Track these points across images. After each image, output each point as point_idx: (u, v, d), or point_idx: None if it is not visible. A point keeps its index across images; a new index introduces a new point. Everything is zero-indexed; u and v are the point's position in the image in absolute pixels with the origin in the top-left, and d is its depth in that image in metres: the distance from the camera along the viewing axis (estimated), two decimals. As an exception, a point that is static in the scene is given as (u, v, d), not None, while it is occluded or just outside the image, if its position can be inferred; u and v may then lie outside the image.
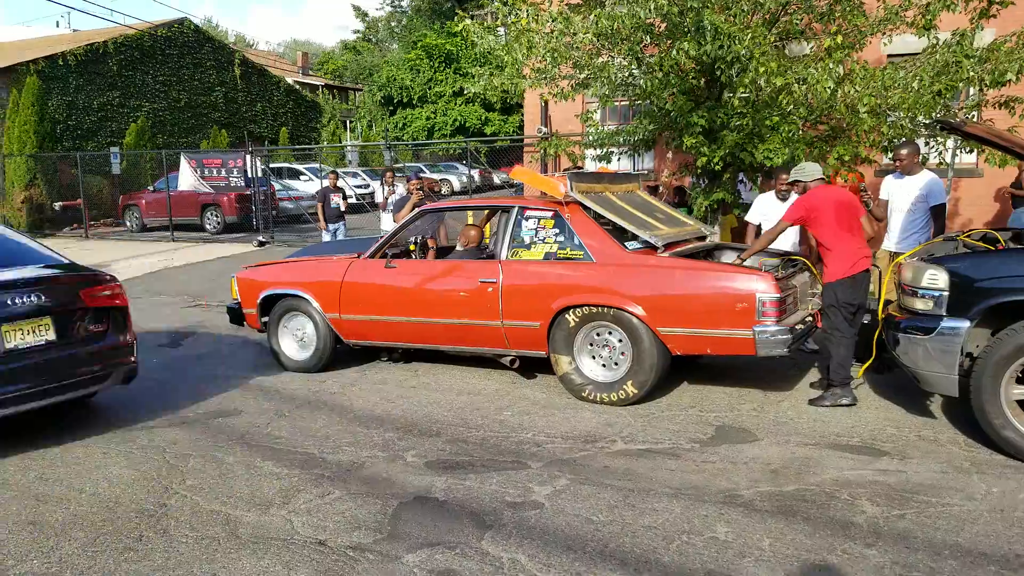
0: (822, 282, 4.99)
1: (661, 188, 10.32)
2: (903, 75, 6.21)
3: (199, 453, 4.28)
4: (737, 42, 6.12)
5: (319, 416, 4.92)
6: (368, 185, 21.51)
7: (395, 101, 32.88)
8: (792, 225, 5.12)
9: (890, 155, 6.50)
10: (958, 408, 4.45)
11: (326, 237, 11.16)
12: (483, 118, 30.82)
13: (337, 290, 5.80)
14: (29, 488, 3.85)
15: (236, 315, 6.41)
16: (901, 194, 5.63)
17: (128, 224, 18.05)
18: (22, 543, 3.27)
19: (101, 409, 5.20)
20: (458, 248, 6.16)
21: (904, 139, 6.11)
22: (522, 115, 14.44)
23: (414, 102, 32.20)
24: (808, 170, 5.00)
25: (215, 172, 16.39)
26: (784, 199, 6.05)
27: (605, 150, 8.60)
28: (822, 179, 4.96)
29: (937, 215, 5.50)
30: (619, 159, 9.38)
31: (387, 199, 10.88)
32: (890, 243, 5.76)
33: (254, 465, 4.07)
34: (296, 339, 6.09)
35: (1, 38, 27.88)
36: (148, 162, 19.84)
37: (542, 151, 9.10)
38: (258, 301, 6.15)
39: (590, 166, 9.88)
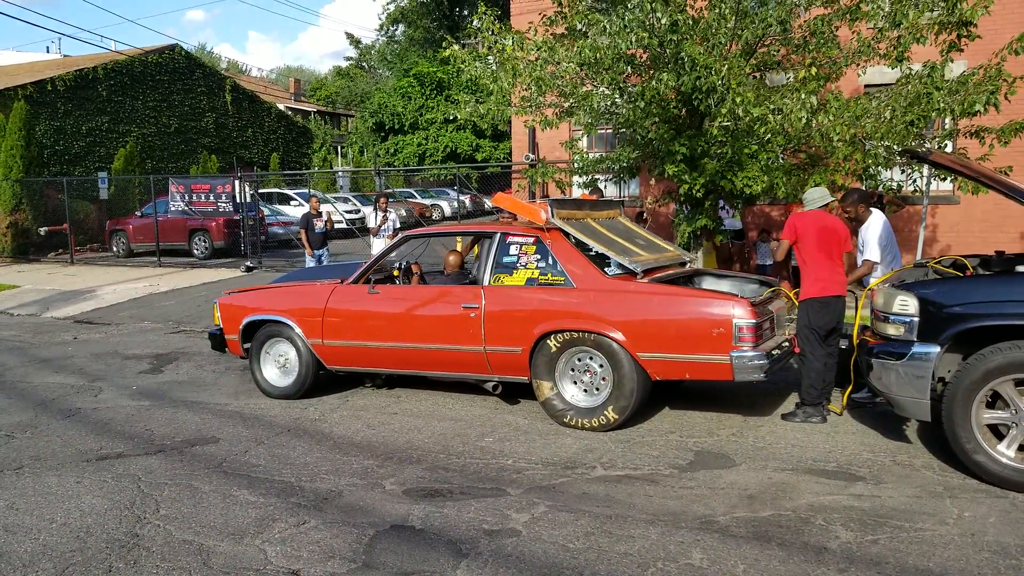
0: (797, 302, 5.09)
1: (646, 215, 10.42)
2: (876, 105, 6.36)
3: (174, 482, 4.24)
4: (714, 73, 6.26)
5: (298, 444, 4.90)
6: (359, 210, 21.58)
7: (387, 127, 33.15)
8: (788, 243, 5.22)
9: (866, 187, 6.61)
10: (933, 433, 4.49)
11: (310, 263, 11.14)
12: (474, 144, 31.09)
13: (320, 316, 5.80)
14: None
15: (218, 341, 6.39)
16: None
17: (115, 249, 17.96)
18: (-10, 574, 3.22)
19: (76, 437, 5.15)
20: (445, 274, 6.18)
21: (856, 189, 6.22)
22: (511, 141, 14.58)
23: (405, 128, 32.48)
24: (809, 199, 5.25)
25: (203, 197, 16.37)
26: None
27: (590, 177, 8.71)
28: (824, 206, 5.14)
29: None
30: (605, 186, 9.50)
31: (379, 225, 10.92)
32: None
33: (230, 494, 4.04)
34: (278, 365, 6.07)
35: (-9, 64, 27.97)
36: (136, 187, 19.82)
37: (529, 178, 9.20)
38: (240, 327, 6.14)
39: (577, 193, 10.00)
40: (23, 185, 17.80)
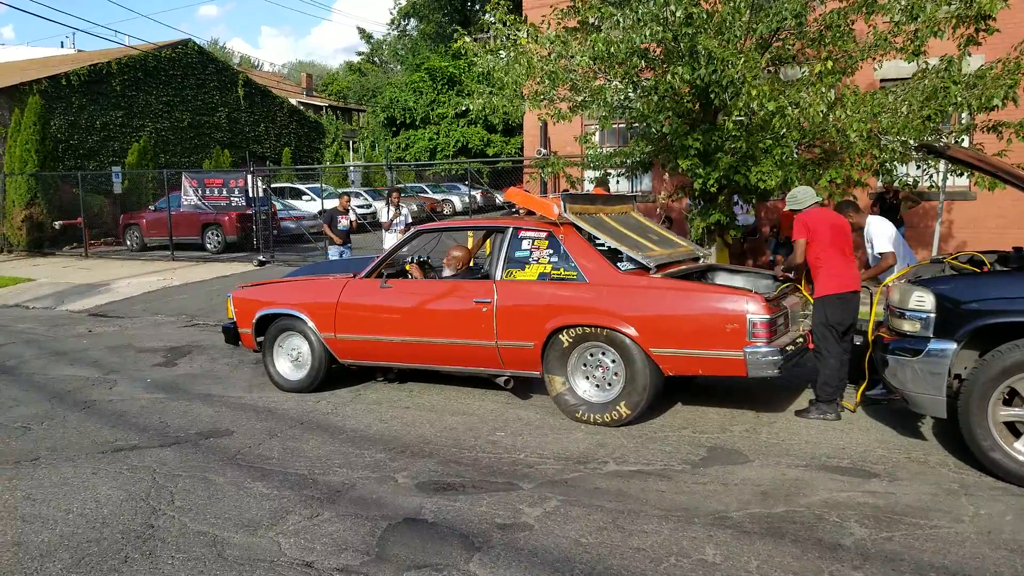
0: (812, 299, 5.05)
1: (659, 210, 10.38)
2: (892, 100, 6.30)
3: (189, 473, 4.27)
4: (730, 66, 6.21)
5: (311, 437, 4.92)
6: (371, 205, 21.63)
7: (398, 122, 33.19)
8: (805, 241, 5.06)
9: (882, 182, 6.54)
10: (948, 430, 4.45)
11: (333, 253, 11.21)
12: (485, 139, 31.07)
13: (332, 310, 5.82)
14: (16, 508, 3.85)
15: (232, 335, 6.42)
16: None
17: (128, 243, 18.11)
18: (5, 564, 3.26)
19: (92, 428, 5.20)
20: (445, 272, 6.13)
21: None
22: (523, 136, 14.56)
23: (417, 123, 32.50)
24: (800, 198, 5.14)
25: (216, 192, 16.45)
26: None
27: (603, 172, 8.68)
28: (818, 202, 5.08)
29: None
30: (617, 181, 9.46)
31: (391, 220, 10.96)
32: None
33: (244, 486, 4.07)
34: (291, 359, 6.10)
35: (5, 58, 28.20)
36: (150, 181, 19.96)
37: (541, 172, 9.18)
38: (254, 321, 6.16)
39: (590, 188, 9.96)
40: (38, 179, 17.96)
